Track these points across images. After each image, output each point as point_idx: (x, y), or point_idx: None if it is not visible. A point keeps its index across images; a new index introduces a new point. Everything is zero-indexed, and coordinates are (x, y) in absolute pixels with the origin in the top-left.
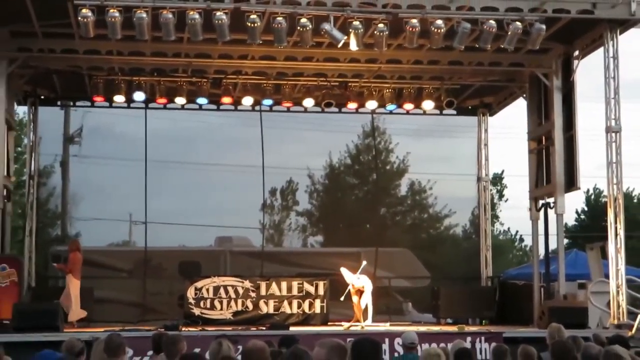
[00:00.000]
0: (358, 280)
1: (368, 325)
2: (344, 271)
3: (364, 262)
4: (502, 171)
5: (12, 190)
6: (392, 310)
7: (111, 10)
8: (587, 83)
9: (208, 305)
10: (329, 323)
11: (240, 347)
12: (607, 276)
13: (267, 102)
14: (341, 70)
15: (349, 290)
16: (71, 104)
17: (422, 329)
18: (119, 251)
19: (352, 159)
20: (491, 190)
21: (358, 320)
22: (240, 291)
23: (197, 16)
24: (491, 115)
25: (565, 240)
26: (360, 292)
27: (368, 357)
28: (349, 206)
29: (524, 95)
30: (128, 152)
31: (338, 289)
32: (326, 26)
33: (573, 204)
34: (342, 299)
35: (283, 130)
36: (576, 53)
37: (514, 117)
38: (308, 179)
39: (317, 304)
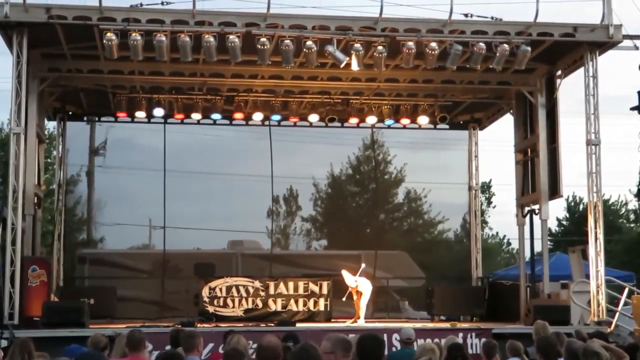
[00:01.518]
0: (356, 282)
1: (363, 324)
2: (345, 273)
3: (363, 265)
4: (490, 180)
5: (42, 198)
6: (390, 308)
7: (133, 34)
8: (571, 99)
9: (221, 303)
10: (332, 320)
11: (250, 342)
12: (587, 277)
13: (276, 117)
14: (343, 88)
15: (349, 291)
16: (96, 119)
17: (418, 325)
18: (139, 253)
19: (354, 169)
20: (480, 197)
21: (359, 318)
22: (251, 290)
23: (211, 39)
24: (481, 129)
25: (549, 244)
26: (359, 293)
27: (372, 352)
28: (351, 212)
29: (511, 111)
30: (148, 163)
31: (340, 289)
32: (330, 48)
33: (555, 211)
34: (343, 299)
35: (290, 143)
36: (559, 72)
37: (501, 131)
38: (313, 187)
39: (321, 302)
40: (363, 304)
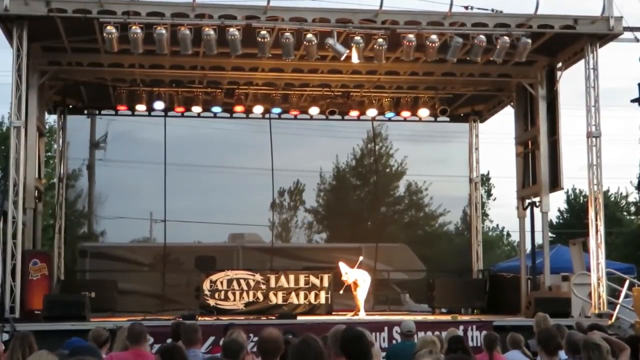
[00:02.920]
0: (346, 275)
1: (364, 316)
2: (341, 265)
3: (361, 258)
4: (488, 172)
5: (43, 192)
6: (391, 301)
7: (133, 27)
8: (571, 91)
9: (222, 297)
10: (333, 313)
11: (251, 335)
12: (588, 269)
13: (276, 110)
14: (344, 81)
15: (347, 283)
16: (97, 112)
17: (419, 318)
18: (140, 247)
19: (356, 162)
20: (480, 190)
21: (360, 311)
22: (252, 283)
23: (211, 32)
24: (481, 121)
25: (550, 236)
26: (356, 285)
27: (352, 344)
28: (352, 205)
29: (512, 104)
30: (149, 156)
31: (341, 282)
32: (330, 41)
33: (556, 203)
34: (341, 292)
35: (291, 136)
36: (559, 65)
37: (502, 123)
38: (315, 180)
39: (322, 295)
40: (361, 296)
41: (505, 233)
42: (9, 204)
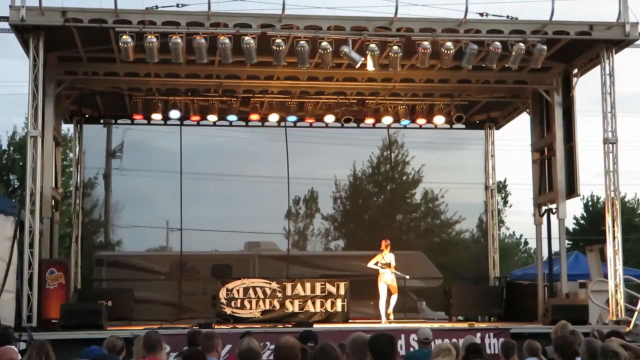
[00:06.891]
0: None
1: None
2: (371, 264)
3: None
4: (505, 179)
5: (59, 201)
6: (408, 309)
7: (149, 36)
8: (587, 97)
9: (238, 305)
10: (349, 321)
11: (268, 343)
12: (606, 276)
13: (292, 118)
14: (359, 89)
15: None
16: (113, 121)
17: (436, 325)
18: (156, 255)
19: (373, 170)
20: (496, 197)
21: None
22: (268, 292)
23: (227, 41)
24: (497, 128)
25: (567, 243)
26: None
27: (384, 349)
28: (369, 213)
29: (528, 110)
30: (165, 165)
31: (358, 289)
32: (345, 49)
33: (572, 209)
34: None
35: (306, 144)
36: (575, 71)
37: (518, 130)
38: (331, 187)
39: (339, 303)
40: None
41: (522, 240)
42: (26, 214)
